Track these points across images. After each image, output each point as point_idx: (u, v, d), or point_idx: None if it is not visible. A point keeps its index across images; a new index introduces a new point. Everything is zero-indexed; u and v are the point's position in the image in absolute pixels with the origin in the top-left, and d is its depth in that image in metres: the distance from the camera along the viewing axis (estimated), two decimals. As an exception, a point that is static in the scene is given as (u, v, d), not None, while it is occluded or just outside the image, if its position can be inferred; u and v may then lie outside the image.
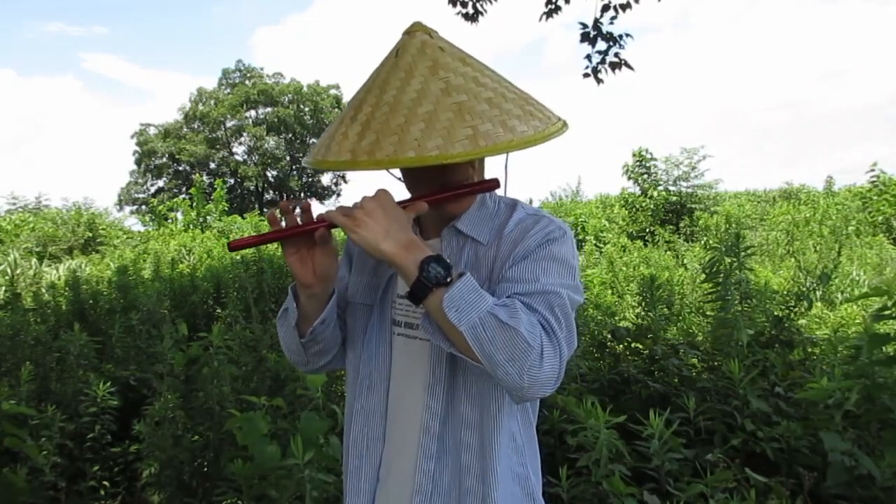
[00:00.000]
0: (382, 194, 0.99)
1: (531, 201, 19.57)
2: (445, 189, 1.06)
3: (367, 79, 1.05)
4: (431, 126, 0.93)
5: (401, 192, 1.07)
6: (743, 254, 3.33)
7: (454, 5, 5.79)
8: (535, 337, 0.90)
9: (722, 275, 3.30)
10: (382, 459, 1.13)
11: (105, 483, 2.99)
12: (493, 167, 1.11)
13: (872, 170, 12.76)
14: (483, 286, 0.98)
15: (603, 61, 5.14)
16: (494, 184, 1.09)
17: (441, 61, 1.00)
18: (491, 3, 5.86)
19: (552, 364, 0.91)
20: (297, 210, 1.05)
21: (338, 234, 1.10)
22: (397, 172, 1.12)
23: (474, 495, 1.05)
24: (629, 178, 14.42)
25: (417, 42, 1.03)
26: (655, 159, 14.23)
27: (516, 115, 0.97)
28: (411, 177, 1.11)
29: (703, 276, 3.46)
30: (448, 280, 0.93)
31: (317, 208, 1.07)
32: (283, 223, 1.06)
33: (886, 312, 2.39)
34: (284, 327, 1.16)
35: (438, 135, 0.92)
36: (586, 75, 5.21)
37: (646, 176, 14.17)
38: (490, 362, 0.90)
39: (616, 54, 5.13)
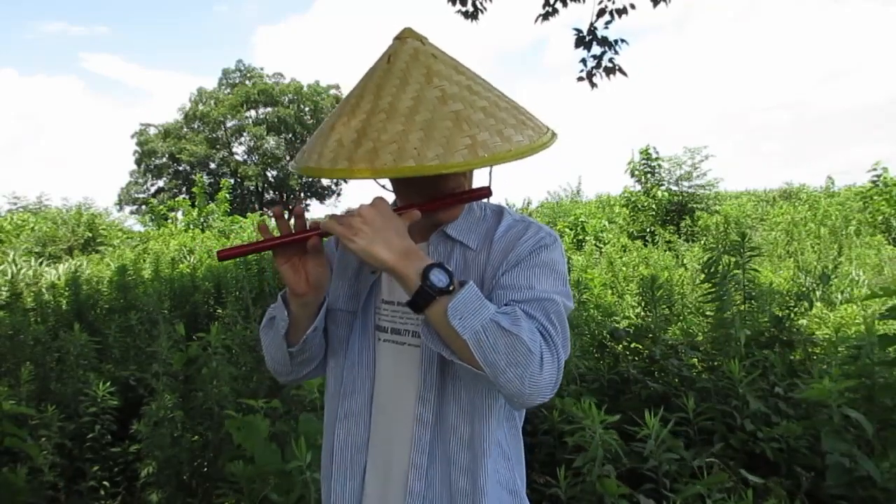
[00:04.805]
0: (380, 202, 0.98)
1: (529, 202, 19.66)
2: (438, 197, 1.05)
3: (358, 83, 1.04)
4: (430, 135, 0.92)
5: (389, 199, 1.06)
6: (748, 254, 3.32)
7: (454, 3, 5.79)
8: (536, 343, 0.90)
9: (720, 275, 3.30)
10: (367, 466, 1.12)
11: (105, 483, 2.98)
12: (479, 173, 1.11)
13: (874, 168, 12.76)
14: None
15: (598, 65, 5.17)
16: (486, 192, 1.08)
17: (434, 69, 0.99)
18: (490, 0, 5.86)
19: (551, 369, 0.91)
20: (294, 217, 1.04)
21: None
22: (386, 181, 1.11)
23: (465, 502, 1.05)
24: (632, 175, 14.35)
25: (409, 48, 1.02)
26: (661, 158, 14.19)
27: (511, 124, 0.97)
28: (404, 185, 1.10)
29: (703, 275, 3.46)
30: (451, 288, 0.92)
31: (317, 209, 1.06)
32: (275, 231, 1.05)
33: (892, 312, 2.39)
34: (271, 336, 1.14)
35: (438, 144, 0.91)
36: (580, 79, 5.25)
37: (650, 175, 14.13)
38: (492, 369, 0.90)
39: (610, 59, 5.16)
